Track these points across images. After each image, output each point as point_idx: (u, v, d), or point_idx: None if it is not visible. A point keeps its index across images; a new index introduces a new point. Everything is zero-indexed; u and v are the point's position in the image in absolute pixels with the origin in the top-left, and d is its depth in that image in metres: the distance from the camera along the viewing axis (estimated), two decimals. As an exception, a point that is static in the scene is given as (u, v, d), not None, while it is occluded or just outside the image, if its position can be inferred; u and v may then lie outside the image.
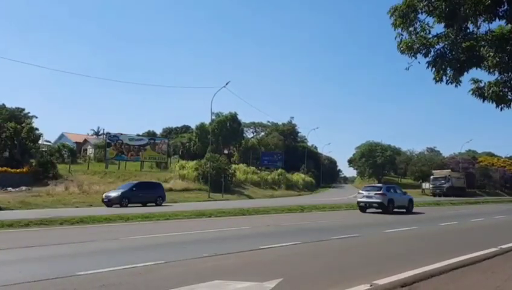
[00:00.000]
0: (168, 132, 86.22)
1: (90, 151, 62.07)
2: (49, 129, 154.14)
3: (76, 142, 65.68)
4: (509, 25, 7.72)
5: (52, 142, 64.27)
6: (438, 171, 68.01)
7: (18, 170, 35.57)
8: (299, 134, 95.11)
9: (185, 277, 6.43)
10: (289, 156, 77.10)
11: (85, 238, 11.08)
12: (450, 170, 66.91)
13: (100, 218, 15.57)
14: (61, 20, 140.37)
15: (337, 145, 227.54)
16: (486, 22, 7.80)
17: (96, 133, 79.84)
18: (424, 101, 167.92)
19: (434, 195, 60.87)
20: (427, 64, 8.51)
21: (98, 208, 22.96)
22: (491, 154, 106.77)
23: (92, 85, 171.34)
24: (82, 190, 31.80)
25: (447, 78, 8.65)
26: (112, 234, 11.97)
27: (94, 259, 8.21)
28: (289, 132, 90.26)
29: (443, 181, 63.08)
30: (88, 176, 38.17)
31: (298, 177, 68.20)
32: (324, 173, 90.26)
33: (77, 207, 23.90)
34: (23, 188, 32.44)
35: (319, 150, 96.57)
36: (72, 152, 51.87)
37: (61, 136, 71.46)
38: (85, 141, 69.89)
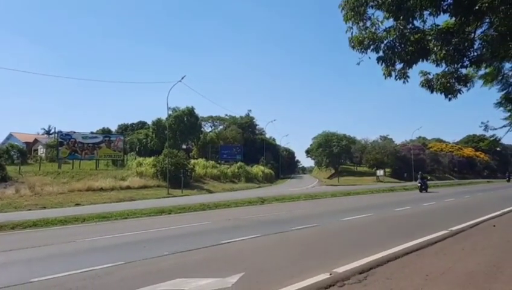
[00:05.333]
0: (124, 129, 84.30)
1: (42, 151, 59.54)
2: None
3: (25, 143, 62.79)
4: (454, 19, 8.06)
5: (0, 143, 61.22)
6: None
7: (-37, 174, 33.63)
8: (257, 126, 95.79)
9: (146, 276, 6.34)
10: (248, 149, 77.48)
11: (39, 243, 10.65)
12: None
13: (55, 220, 15.02)
14: (3, 14, 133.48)
15: (294, 136, 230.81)
16: (432, 15, 8.12)
17: (47, 132, 76.87)
18: (376, 90, 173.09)
19: None
20: (377, 60, 8.76)
21: (52, 210, 22.13)
22: (440, 140, 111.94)
23: (40, 83, 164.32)
24: (34, 192, 30.47)
25: (396, 74, 8.96)
26: (68, 237, 11.57)
27: (50, 264, 7.94)
28: (247, 125, 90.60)
29: None
30: (40, 177, 36.61)
31: (258, 169, 68.59)
32: (283, 165, 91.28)
33: (30, 210, 22.91)
34: (-31, 192, 30.73)
35: (277, 142, 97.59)
36: (22, 153, 49.55)
37: (9, 136, 68.12)
38: (35, 140, 67.00)
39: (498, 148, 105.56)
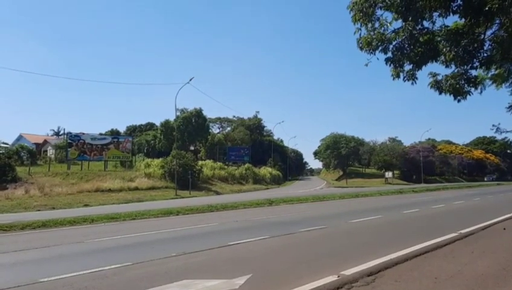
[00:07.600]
0: (132, 130, 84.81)
1: (51, 152, 60.07)
2: (6, 130, 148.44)
3: (35, 144, 63.41)
4: (463, 20, 7.99)
5: (10, 144, 61.82)
6: None
7: (-27, 175, 34.00)
8: (265, 128, 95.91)
9: (154, 277, 6.36)
10: (256, 151, 77.57)
11: (48, 243, 10.73)
12: None
13: (64, 221, 15.13)
14: (13, 18, 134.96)
15: (302, 138, 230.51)
16: (441, 17, 8.05)
17: (57, 134, 77.53)
18: (385, 92, 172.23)
19: None
20: (385, 61, 8.70)
21: (61, 211, 22.31)
22: (450, 142, 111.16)
23: (50, 84, 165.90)
24: (43, 193, 30.77)
25: (404, 75, 8.90)
26: (76, 237, 11.65)
27: (58, 264, 7.99)
28: (255, 126, 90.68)
29: None
30: (49, 178, 36.95)
31: (265, 171, 68.61)
32: (291, 166, 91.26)
33: (39, 210, 23.12)
34: (-20, 193, 31.03)
35: (285, 143, 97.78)
36: (32, 154, 50.00)
37: (20, 137, 68.85)
38: (45, 141, 67.63)
39: (509, 151, 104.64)
